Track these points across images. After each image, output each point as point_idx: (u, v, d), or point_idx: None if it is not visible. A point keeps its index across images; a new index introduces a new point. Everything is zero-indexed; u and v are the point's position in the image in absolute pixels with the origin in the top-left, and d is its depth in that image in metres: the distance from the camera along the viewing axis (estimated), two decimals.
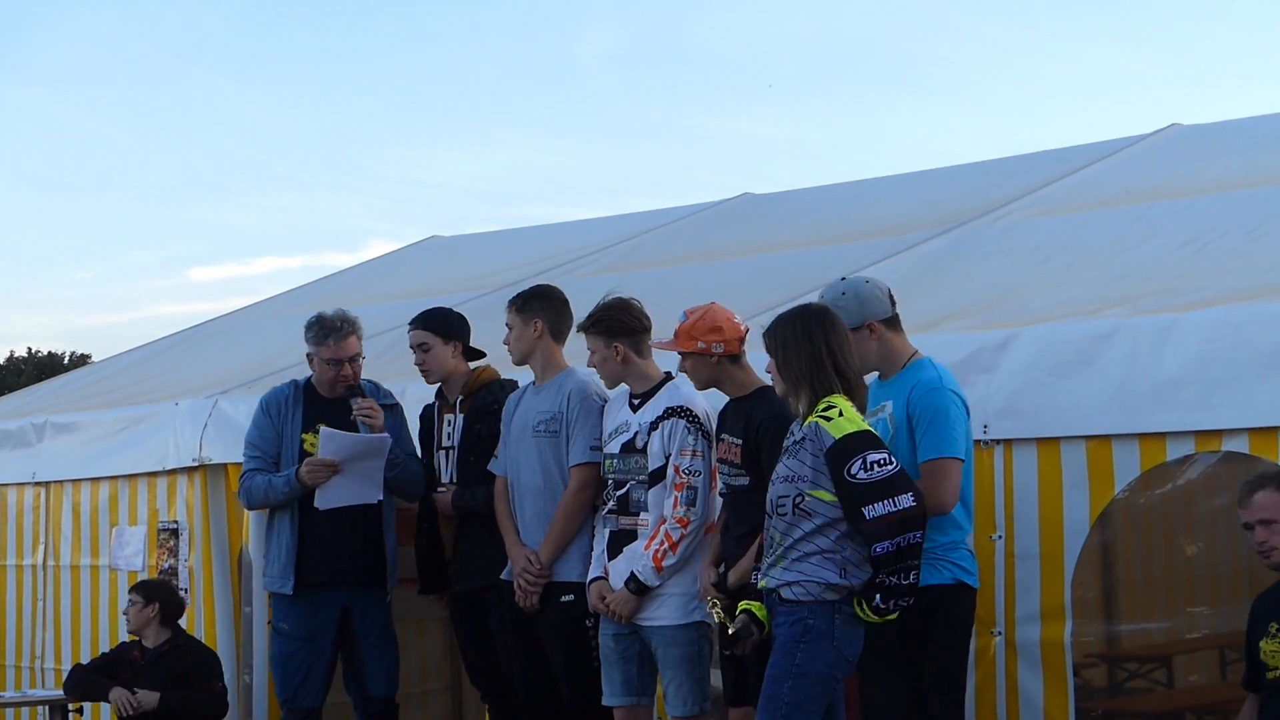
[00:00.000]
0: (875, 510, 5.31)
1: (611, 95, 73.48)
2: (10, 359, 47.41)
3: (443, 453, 7.19)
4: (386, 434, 7.34)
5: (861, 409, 5.60)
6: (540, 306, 6.84)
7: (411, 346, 7.28)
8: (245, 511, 8.96)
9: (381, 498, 7.38)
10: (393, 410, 7.50)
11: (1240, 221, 7.68)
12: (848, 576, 5.44)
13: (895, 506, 5.32)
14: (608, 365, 6.48)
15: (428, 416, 7.36)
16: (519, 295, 6.92)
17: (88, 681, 8.39)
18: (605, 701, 6.44)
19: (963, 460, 5.93)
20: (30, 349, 47.66)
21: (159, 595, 8.35)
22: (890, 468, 5.35)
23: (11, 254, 68.67)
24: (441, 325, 7.23)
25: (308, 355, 7.72)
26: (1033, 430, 6.41)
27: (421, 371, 7.27)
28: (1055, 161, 9.98)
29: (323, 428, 7.42)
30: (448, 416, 7.24)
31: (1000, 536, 6.43)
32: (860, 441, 5.37)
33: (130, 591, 8.41)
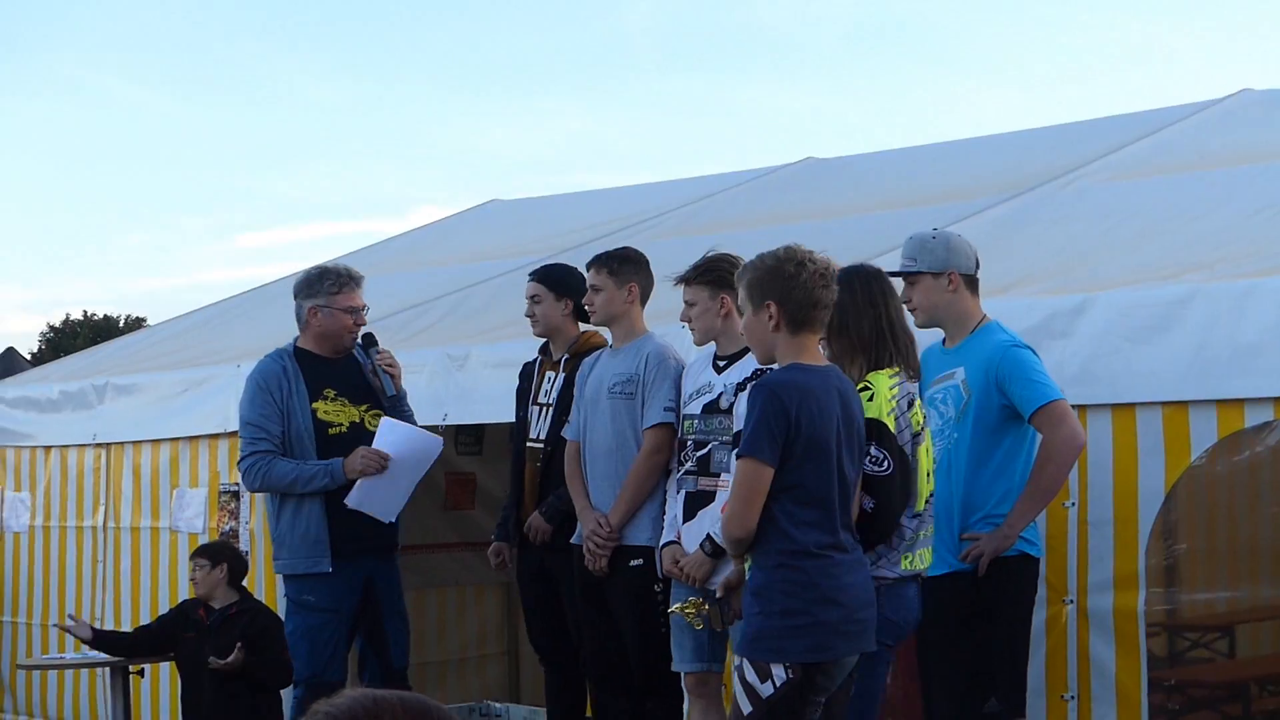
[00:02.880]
0: (866, 501, 5.23)
1: (658, 65, 73.28)
2: (67, 322, 47.66)
3: (538, 408, 7.10)
4: (440, 438, 7.19)
5: (914, 372, 5.49)
6: (634, 270, 6.76)
7: (526, 297, 7.17)
8: None
9: (395, 519, 7.12)
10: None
11: None
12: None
13: (865, 506, 5.21)
14: (707, 318, 6.36)
15: (528, 372, 7.28)
16: (611, 256, 6.79)
17: (145, 640, 8.44)
18: (675, 667, 6.37)
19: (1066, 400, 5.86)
20: (86, 312, 47.90)
21: (225, 556, 8.32)
22: (882, 469, 5.24)
23: (67, 220, 69.08)
24: (555, 280, 7.11)
25: (311, 309, 7.40)
26: (1108, 396, 6.31)
27: (530, 322, 7.20)
28: (1125, 126, 9.83)
29: (384, 417, 7.17)
30: (549, 374, 7.15)
31: (1073, 504, 6.34)
32: (872, 429, 5.25)
33: (194, 556, 8.36)
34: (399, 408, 7.27)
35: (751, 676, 4.97)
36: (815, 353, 5.16)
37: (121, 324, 47.08)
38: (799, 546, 4.97)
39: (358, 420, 7.24)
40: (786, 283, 5.07)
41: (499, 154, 73.46)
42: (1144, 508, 6.24)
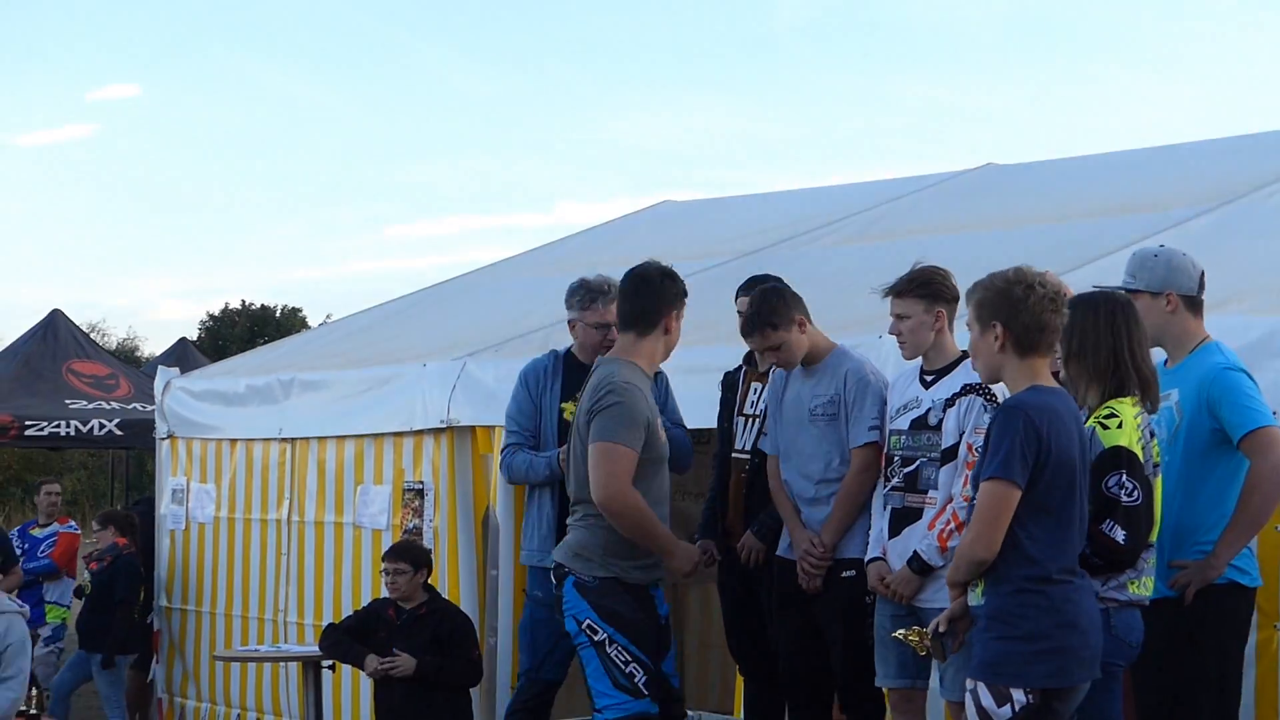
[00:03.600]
0: (1112, 530, 5.17)
1: (808, 63, 72.77)
2: (225, 311, 48.49)
3: (743, 419, 7.10)
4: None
5: (1153, 405, 5.42)
6: (788, 312, 6.64)
7: (740, 312, 6.98)
8: (492, 474, 9.05)
9: None
10: (655, 379, 7.38)
11: None
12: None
13: (1116, 538, 5.15)
14: (921, 332, 6.31)
15: (731, 382, 7.27)
16: (769, 300, 6.66)
17: (343, 645, 8.48)
18: (879, 683, 6.35)
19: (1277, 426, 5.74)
20: (244, 301, 48.70)
21: (425, 560, 8.43)
22: (1133, 499, 5.18)
23: (221, 211, 70.16)
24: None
25: (569, 322, 7.69)
26: None
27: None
28: None
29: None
30: (754, 385, 7.14)
31: None
32: (1122, 458, 5.20)
33: (393, 559, 8.43)
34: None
35: (988, 701, 4.94)
36: (1048, 376, 5.13)
37: (278, 313, 47.77)
38: (1042, 572, 4.95)
39: None
40: (1015, 305, 5.07)
41: (643, 150, 73.56)
42: None
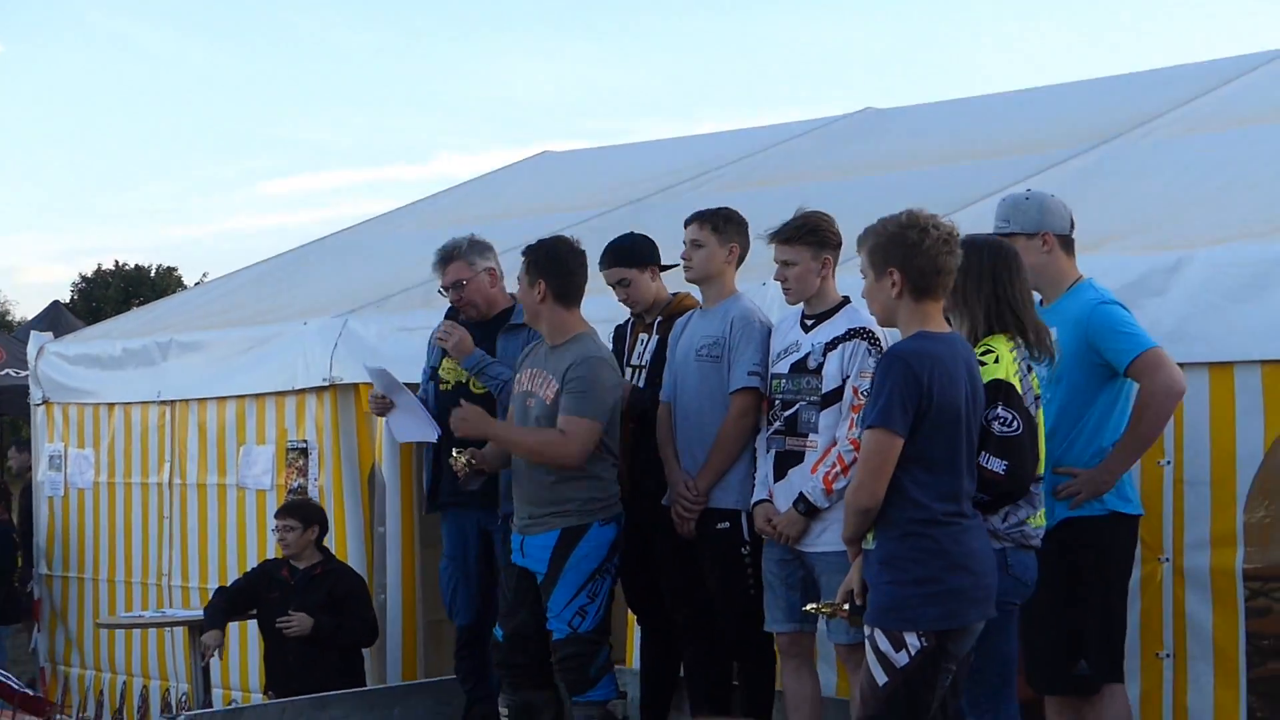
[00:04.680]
0: (989, 462, 5.17)
1: (683, 9, 72.66)
2: (98, 272, 47.76)
3: (631, 369, 7.08)
4: (383, 369, 7.47)
5: (1042, 352, 5.44)
6: (736, 231, 6.71)
7: (610, 284, 7.11)
8: (377, 431, 8.98)
9: (437, 436, 7.34)
10: (517, 331, 7.37)
11: None
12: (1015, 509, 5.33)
13: (995, 469, 5.15)
14: (808, 278, 6.29)
15: (621, 334, 7.24)
16: (716, 214, 6.75)
17: (215, 614, 8.42)
18: (768, 628, 6.36)
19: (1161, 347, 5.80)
20: (117, 262, 47.95)
21: (317, 518, 8.36)
22: (1010, 429, 5.19)
23: (91, 168, 69.03)
24: (633, 255, 7.03)
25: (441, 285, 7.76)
26: (1205, 355, 6.24)
27: (628, 305, 7.13)
28: (1196, 76, 9.74)
29: (365, 364, 7.66)
30: (641, 335, 7.11)
31: (1169, 462, 6.29)
32: (1000, 390, 5.20)
33: (284, 516, 8.37)
34: (476, 370, 7.33)
35: (885, 646, 4.96)
36: (940, 320, 5.13)
37: (153, 273, 47.12)
38: (928, 514, 4.95)
39: (463, 381, 7.47)
40: (910, 249, 5.05)
41: (523, 100, 73.26)
42: (1242, 467, 6.18)
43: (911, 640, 4.93)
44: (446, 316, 7.64)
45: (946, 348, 5.04)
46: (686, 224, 6.78)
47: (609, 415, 6.61)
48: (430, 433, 7.42)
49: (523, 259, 6.78)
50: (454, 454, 6.82)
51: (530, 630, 6.71)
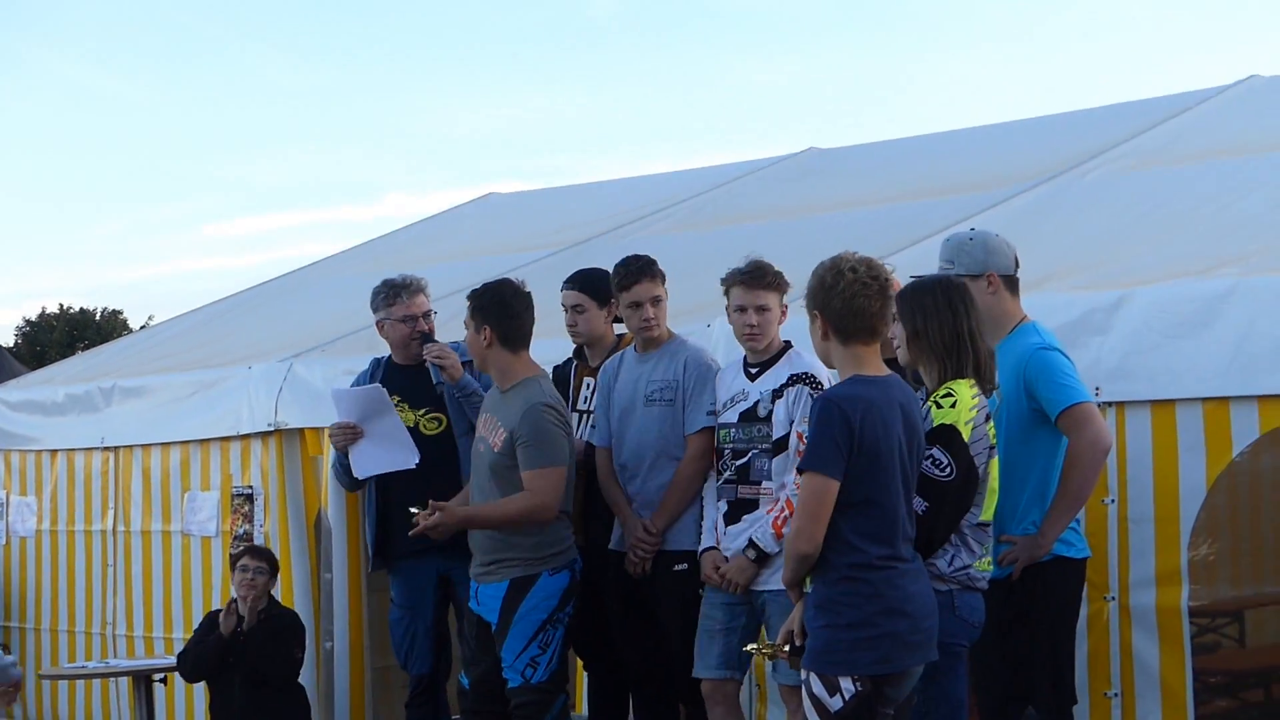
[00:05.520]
0: (918, 504, 5.18)
1: (627, 50, 72.96)
2: (42, 315, 47.43)
3: (578, 415, 7.06)
4: (379, 385, 7.36)
5: (989, 387, 5.44)
6: (663, 277, 6.77)
7: (564, 305, 7.10)
8: (323, 477, 8.93)
9: (417, 461, 7.28)
10: (472, 366, 7.34)
11: None
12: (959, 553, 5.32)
13: (916, 509, 5.15)
14: (774, 324, 6.31)
15: (563, 377, 7.22)
16: (650, 265, 6.75)
17: (203, 658, 8.28)
18: (696, 673, 6.32)
19: (1094, 402, 5.81)
20: (62, 305, 47.64)
21: (275, 563, 8.30)
22: (945, 474, 5.19)
23: (34, 211, 68.70)
24: (598, 287, 7.00)
25: (378, 323, 7.69)
26: (1147, 393, 6.29)
27: (571, 332, 7.12)
28: (1137, 114, 9.83)
29: (332, 388, 7.43)
30: (586, 379, 7.10)
31: (1113, 500, 6.32)
32: (941, 435, 5.20)
33: (251, 558, 8.21)
34: (465, 394, 7.30)
35: (819, 690, 4.94)
36: (875, 363, 5.13)
37: (98, 316, 46.86)
38: (863, 559, 4.95)
39: (412, 424, 7.43)
40: (827, 293, 5.09)
41: (468, 139, 73.27)
42: (1185, 504, 6.22)
43: (846, 684, 4.92)
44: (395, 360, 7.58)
45: (880, 391, 5.05)
46: (635, 282, 6.71)
47: (568, 458, 6.56)
48: (409, 458, 7.29)
49: (468, 304, 6.75)
50: (413, 511, 6.67)
51: (495, 678, 6.63)
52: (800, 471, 5.02)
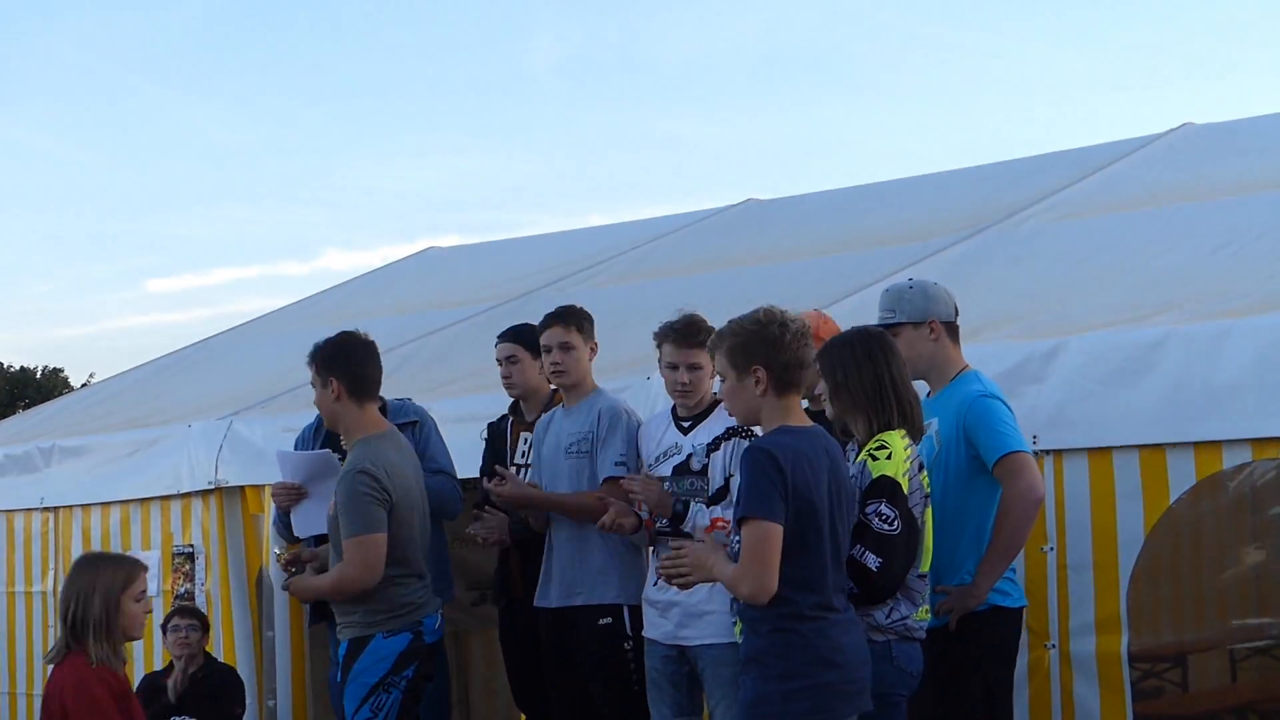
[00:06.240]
0: (864, 556, 5.17)
1: (565, 104, 73.25)
2: None
3: (515, 469, 7.05)
4: (330, 451, 7.13)
5: (917, 434, 5.47)
6: (592, 328, 6.80)
7: (499, 359, 7.12)
8: (264, 535, 8.89)
9: None
10: (413, 427, 7.29)
11: (1271, 223, 7.63)
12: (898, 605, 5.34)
13: (867, 564, 5.16)
14: (708, 382, 6.29)
15: (499, 433, 7.21)
16: (577, 313, 6.77)
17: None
18: None
19: (1030, 453, 5.85)
20: (2, 364, 47.28)
21: (205, 621, 8.28)
22: (890, 528, 5.20)
23: None
24: (530, 340, 7.01)
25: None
26: (1084, 440, 6.32)
27: (506, 385, 7.13)
28: (1070, 163, 9.93)
29: (277, 449, 7.33)
30: (524, 434, 7.10)
31: (1052, 548, 6.35)
32: (885, 487, 5.21)
33: (186, 616, 8.21)
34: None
35: None
36: (800, 414, 5.16)
37: (38, 374, 46.53)
38: (793, 609, 4.93)
39: None
40: (772, 345, 5.08)
41: (406, 194, 73.31)
42: (1124, 551, 6.24)
43: None
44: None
45: (809, 442, 5.06)
46: (546, 327, 6.76)
47: (382, 524, 6.24)
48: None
49: (310, 363, 6.57)
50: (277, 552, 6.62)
51: None
52: (741, 522, 4.99)
